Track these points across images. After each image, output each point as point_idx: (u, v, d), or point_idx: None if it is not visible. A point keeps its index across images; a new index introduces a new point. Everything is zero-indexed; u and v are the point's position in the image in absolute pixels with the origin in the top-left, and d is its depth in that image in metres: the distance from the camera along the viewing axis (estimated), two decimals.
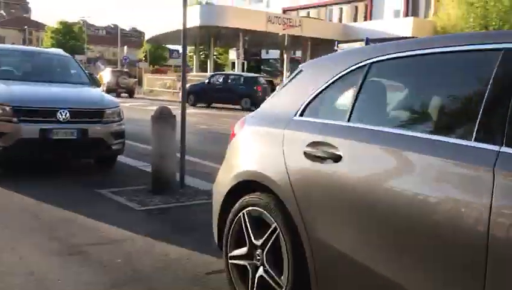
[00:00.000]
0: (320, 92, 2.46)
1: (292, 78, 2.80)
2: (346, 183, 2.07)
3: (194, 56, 44.01)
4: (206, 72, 34.57)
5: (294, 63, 45.47)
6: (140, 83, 35.95)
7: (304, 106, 2.50)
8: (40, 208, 4.60)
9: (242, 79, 24.01)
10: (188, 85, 26.07)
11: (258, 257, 2.53)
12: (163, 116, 5.34)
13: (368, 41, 19.77)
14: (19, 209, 4.54)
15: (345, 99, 2.34)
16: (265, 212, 2.47)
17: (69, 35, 63.14)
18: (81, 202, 4.92)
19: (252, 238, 2.56)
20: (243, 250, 2.63)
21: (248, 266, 2.60)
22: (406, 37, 30.70)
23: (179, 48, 48.96)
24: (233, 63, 51.95)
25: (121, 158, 6.93)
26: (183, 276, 3.21)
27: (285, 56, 42.03)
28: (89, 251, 3.55)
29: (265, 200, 2.47)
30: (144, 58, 39.59)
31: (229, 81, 24.07)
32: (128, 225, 4.18)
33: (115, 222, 4.24)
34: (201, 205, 5.05)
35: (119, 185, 5.75)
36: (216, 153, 8.48)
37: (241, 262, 2.65)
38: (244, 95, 22.68)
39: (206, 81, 24.93)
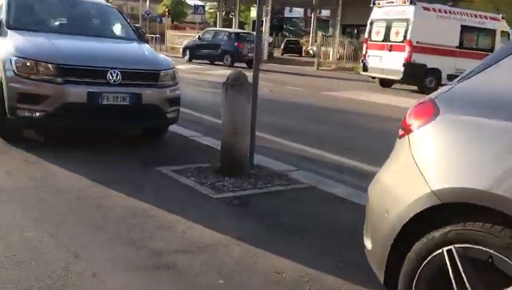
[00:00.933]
0: None
1: None
2: None
3: (217, 12, 42.45)
4: None
5: (321, 22, 43.71)
6: (162, 39, 34.67)
7: None
8: (98, 193, 3.77)
9: (225, 35, 24.04)
10: (185, 41, 26.15)
11: None
12: (239, 84, 4.41)
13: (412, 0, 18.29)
14: (74, 195, 3.69)
15: None
16: (506, 259, 1.58)
17: None
18: (143, 185, 4.09)
19: None
20: None
21: None
22: None
23: (203, 3, 47.27)
24: (254, 22, 50.17)
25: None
26: None
27: (312, 15, 40.29)
28: (177, 263, 2.71)
29: (507, 239, 1.58)
30: (167, 13, 38.10)
31: (216, 37, 24.20)
32: (212, 222, 3.34)
33: (194, 216, 3.40)
34: (284, 193, 4.19)
35: (179, 161, 4.91)
36: (275, 125, 7.59)
37: None
38: (226, 52, 23.03)
39: (197, 37, 25.40)
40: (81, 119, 4.92)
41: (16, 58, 4.78)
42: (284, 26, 56.14)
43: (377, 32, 17.72)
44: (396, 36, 17.10)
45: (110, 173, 4.33)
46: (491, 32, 17.66)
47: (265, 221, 3.49)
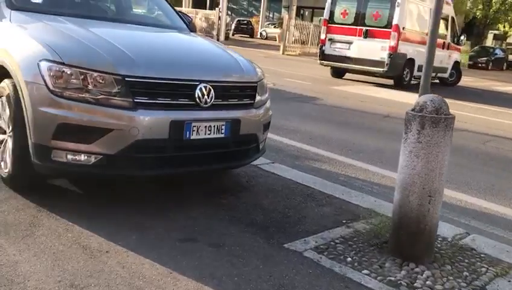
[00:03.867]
0: None
1: None
2: None
3: None
4: None
5: (273, 1, 42.02)
6: None
7: None
8: None
9: None
10: None
11: None
12: (444, 118, 2.74)
13: None
14: None
15: None
16: None
17: None
18: None
19: None
20: None
21: None
22: None
23: None
24: None
25: None
26: None
27: None
28: None
29: None
30: None
31: None
32: None
33: None
34: None
35: (299, 225, 3.20)
36: (357, 145, 5.83)
37: None
38: None
39: None
40: (157, 165, 3.02)
41: (49, 64, 2.77)
42: (228, 5, 53.92)
43: (343, 13, 14.46)
44: (375, 20, 13.97)
45: (233, 269, 2.54)
46: (445, 18, 15.48)
47: None
